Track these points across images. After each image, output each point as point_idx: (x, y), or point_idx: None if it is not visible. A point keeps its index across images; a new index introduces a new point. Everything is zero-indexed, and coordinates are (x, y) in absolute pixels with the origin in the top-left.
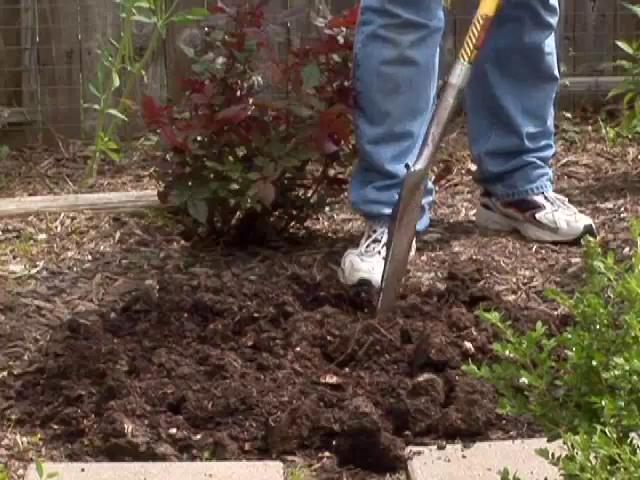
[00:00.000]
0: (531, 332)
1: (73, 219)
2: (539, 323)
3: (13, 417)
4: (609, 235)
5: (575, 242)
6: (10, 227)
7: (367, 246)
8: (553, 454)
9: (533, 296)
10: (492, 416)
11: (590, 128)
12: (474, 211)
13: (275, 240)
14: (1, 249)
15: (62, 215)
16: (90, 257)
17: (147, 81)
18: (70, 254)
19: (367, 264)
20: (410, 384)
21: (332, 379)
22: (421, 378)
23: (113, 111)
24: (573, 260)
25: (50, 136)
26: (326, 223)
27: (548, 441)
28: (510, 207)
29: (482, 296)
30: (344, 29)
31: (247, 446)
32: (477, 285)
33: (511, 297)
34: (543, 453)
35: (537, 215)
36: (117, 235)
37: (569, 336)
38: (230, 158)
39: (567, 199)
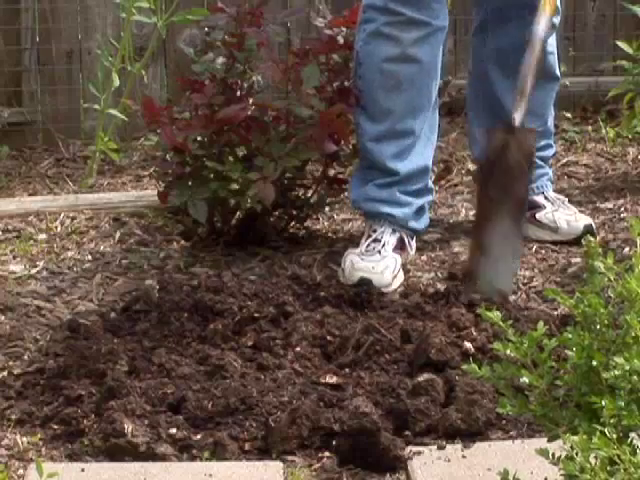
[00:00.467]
0: (532, 332)
1: (73, 219)
2: (540, 323)
3: (13, 417)
4: (609, 235)
5: (575, 242)
6: (10, 227)
7: (367, 246)
8: (553, 454)
9: (533, 296)
10: (492, 416)
11: (590, 128)
12: (474, 211)
13: (275, 240)
14: (1, 249)
15: (62, 215)
16: (90, 257)
17: (147, 81)
18: (70, 254)
19: (367, 263)
20: (410, 384)
21: (332, 379)
22: (421, 378)
23: (113, 111)
24: (573, 260)
25: (50, 136)
26: (326, 223)
27: (548, 441)
28: None
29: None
30: (344, 29)
31: (247, 446)
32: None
33: (511, 297)
34: (543, 453)
35: (537, 215)
36: (117, 235)
37: (569, 336)
38: (230, 158)
39: (567, 199)
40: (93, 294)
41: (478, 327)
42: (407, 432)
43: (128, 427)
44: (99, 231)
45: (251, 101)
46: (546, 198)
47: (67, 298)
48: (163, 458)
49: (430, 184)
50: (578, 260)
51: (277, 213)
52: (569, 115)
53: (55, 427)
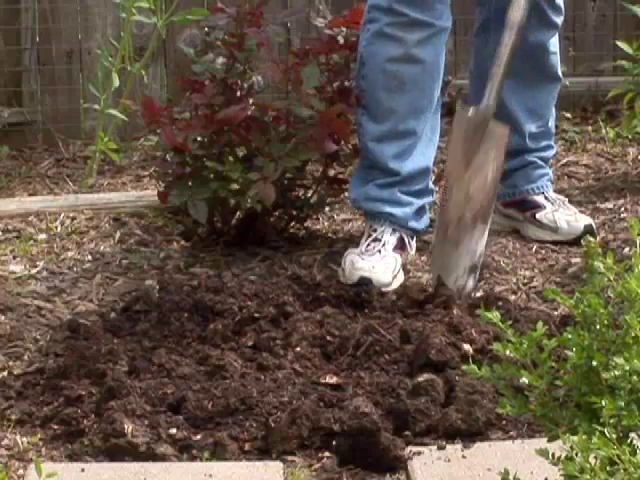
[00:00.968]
0: (532, 332)
1: (73, 219)
2: (540, 323)
3: (13, 417)
4: (609, 235)
5: (575, 242)
6: (10, 227)
7: (367, 245)
8: (553, 454)
9: (533, 296)
10: (492, 416)
11: (590, 128)
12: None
13: (275, 240)
14: (1, 249)
15: (62, 215)
16: (90, 257)
17: (147, 81)
18: (70, 254)
19: (367, 263)
20: (410, 384)
21: (332, 379)
22: (421, 378)
23: (113, 111)
24: (573, 260)
25: (50, 136)
26: (326, 223)
27: (548, 441)
28: (510, 207)
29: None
30: (344, 29)
31: (247, 446)
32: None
33: (511, 297)
34: (543, 453)
35: (537, 215)
36: (117, 235)
37: (569, 336)
38: (230, 158)
39: (567, 199)
40: (93, 294)
41: (478, 328)
42: (407, 432)
43: (128, 427)
44: (99, 231)
45: (251, 101)
46: (546, 198)
47: (67, 298)
48: (163, 458)
49: (431, 185)
50: (578, 260)
51: (277, 213)
52: (569, 115)
53: (55, 427)
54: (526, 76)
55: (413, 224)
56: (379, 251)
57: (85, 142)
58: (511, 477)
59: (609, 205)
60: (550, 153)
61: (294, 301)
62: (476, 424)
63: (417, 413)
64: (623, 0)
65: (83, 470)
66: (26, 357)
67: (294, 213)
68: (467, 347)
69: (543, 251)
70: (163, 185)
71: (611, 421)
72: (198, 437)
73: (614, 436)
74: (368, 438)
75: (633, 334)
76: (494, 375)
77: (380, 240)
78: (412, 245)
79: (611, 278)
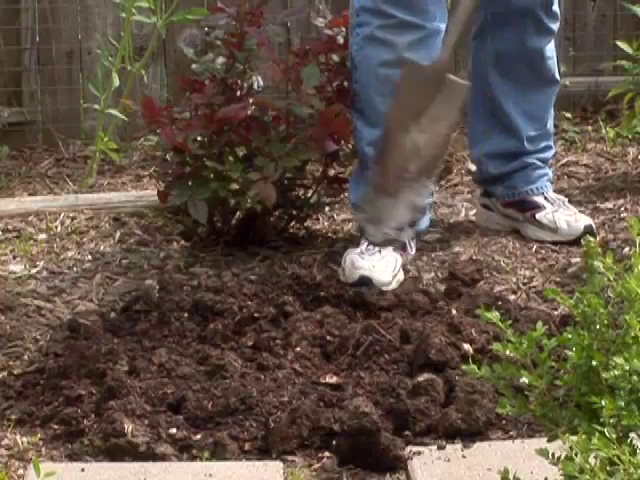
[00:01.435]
0: (531, 332)
1: (73, 219)
2: (540, 323)
3: (13, 417)
4: (609, 235)
5: (575, 242)
6: (10, 227)
7: (367, 245)
8: (553, 454)
9: (533, 296)
10: (492, 416)
11: (590, 128)
12: (474, 211)
13: (275, 240)
14: (1, 249)
15: (62, 215)
16: (90, 257)
17: (147, 81)
18: (70, 254)
19: (367, 262)
20: (410, 384)
21: (332, 379)
22: (421, 378)
23: (113, 111)
24: (573, 260)
25: (50, 136)
26: (326, 223)
27: (548, 441)
28: (510, 207)
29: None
30: (344, 29)
31: (247, 446)
32: (477, 285)
33: (511, 297)
34: (543, 453)
35: (537, 215)
36: (117, 235)
37: (569, 336)
38: (230, 158)
39: (567, 199)
40: (93, 294)
41: (478, 328)
42: (407, 432)
43: (128, 427)
44: (99, 231)
45: (251, 101)
46: (546, 199)
47: (67, 298)
48: (163, 458)
49: (430, 185)
50: (578, 260)
51: (277, 213)
52: (569, 115)
53: (55, 427)
54: (524, 81)
55: None
56: (379, 251)
57: (85, 142)
58: (511, 477)
59: (609, 205)
60: (549, 154)
61: (294, 301)
62: (476, 424)
63: (417, 413)
64: (623, 0)
65: (83, 470)
66: (26, 357)
67: (294, 213)
68: (467, 347)
69: (543, 251)
70: (163, 185)
71: (611, 421)
72: (198, 437)
73: (614, 436)
74: (368, 438)
75: (633, 334)
76: (494, 375)
77: None
78: (412, 246)
79: (611, 278)
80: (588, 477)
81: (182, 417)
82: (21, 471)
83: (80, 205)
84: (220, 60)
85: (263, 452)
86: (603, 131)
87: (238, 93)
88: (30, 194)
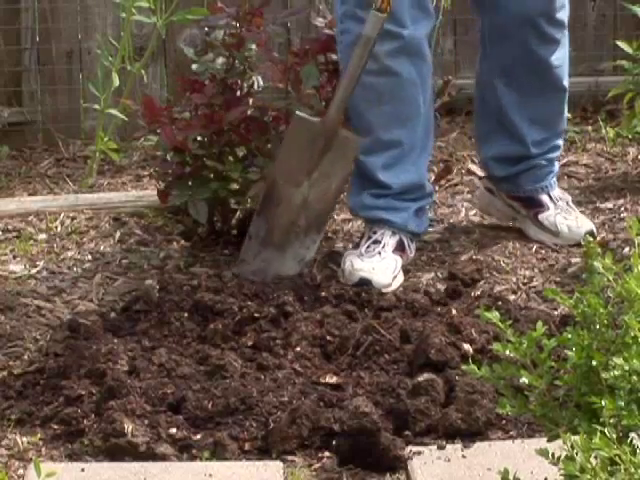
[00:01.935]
0: (531, 332)
1: (73, 219)
2: (539, 323)
3: (13, 417)
4: (609, 235)
5: (576, 243)
6: (10, 227)
7: (367, 247)
8: (553, 454)
9: (533, 296)
10: (492, 416)
11: (590, 128)
12: (474, 211)
13: None
14: (1, 249)
15: (62, 215)
16: (90, 257)
17: (147, 81)
18: (70, 254)
19: (367, 264)
20: (410, 384)
21: (332, 379)
22: (421, 378)
23: (113, 111)
24: (573, 260)
25: (50, 136)
26: None
27: (548, 441)
28: (515, 201)
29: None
30: None
31: (247, 446)
32: (477, 285)
33: (511, 297)
34: (543, 453)
35: (540, 216)
36: (117, 235)
37: (569, 336)
38: (230, 158)
39: (570, 198)
40: (93, 294)
41: (478, 328)
42: (407, 432)
43: (128, 427)
44: (99, 231)
45: (251, 101)
46: (550, 198)
47: (67, 298)
48: (163, 458)
49: (430, 188)
50: (578, 260)
51: None
52: (569, 115)
53: (55, 427)
54: (529, 90)
55: (412, 227)
56: (379, 253)
57: (85, 142)
58: (511, 477)
59: (609, 205)
60: (556, 153)
61: (294, 301)
62: (476, 424)
63: (417, 413)
64: (623, 0)
65: (83, 470)
66: (26, 357)
67: None
68: (467, 347)
69: (543, 251)
70: (163, 185)
71: (611, 421)
72: (198, 437)
73: (614, 436)
74: (368, 438)
75: (632, 334)
76: (494, 375)
77: (380, 242)
78: (412, 247)
79: (610, 278)
80: (589, 477)
81: (182, 417)
82: (21, 471)
83: (80, 205)
84: (220, 60)
85: (263, 452)
86: (603, 131)
87: (238, 93)
88: (30, 194)
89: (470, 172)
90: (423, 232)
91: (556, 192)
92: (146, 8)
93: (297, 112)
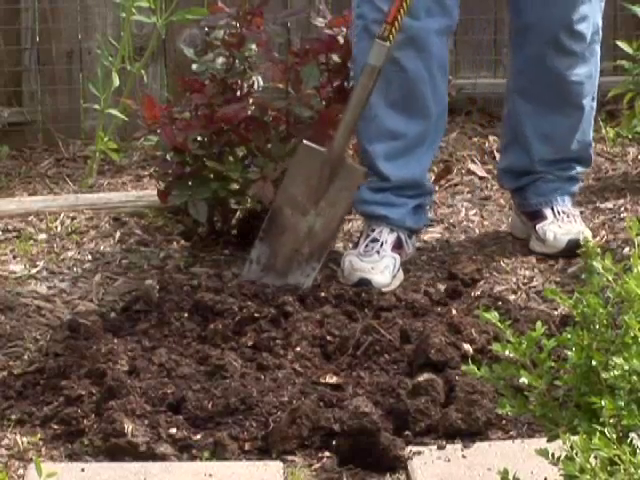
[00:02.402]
0: (531, 332)
1: (73, 219)
2: (539, 323)
3: (13, 417)
4: (609, 235)
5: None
6: (10, 227)
7: (366, 246)
8: (553, 454)
9: (533, 296)
10: (492, 416)
11: None
12: (474, 211)
13: None
14: (1, 249)
15: (62, 215)
16: (90, 257)
17: (147, 81)
18: (70, 254)
19: (366, 264)
20: (410, 384)
21: (332, 379)
22: (421, 378)
23: (113, 111)
24: (573, 260)
25: (50, 136)
26: None
27: (548, 441)
28: (523, 215)
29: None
30: (344, 29)
31: (247, 446)
32: (477, 285)
33: (511, 297)
34: (543, 453)
35: (537, 226)
36: (117, 235)
37: (569, 336)
38: (230, 158)
39: (580, 215)
40: (93, 294)
41: (478, 328)
42: (407, 432)
43: (128, 427)
44: (99, 231)
45: (251, 101)
46: (553, 211)
47: (67, 298)
48: (163, 458)
49: (429, 186)
50: (578, 260)
51: None
52: None
53: (55, 427)
54: (544, 104)
55: (410, 224)
56: (377, 252)
57: (85, 142)
58: (511, 477)
59: (609, 205)
60: (568, 172)
61: (294, 301)
62: (476, 424)
63: (417, 413)
64: (623, 0)
65: (83, 470)
66: (26, 357)
67: None
68: (467, 347)
69: None
70: (163, 185)
71: (611, 421)
72: (198, 437)
73: (614, 436)
74: (368, 438)
75: (632, 334)
76: (494, 375)
77: (378, 240)
78: (410, 244)
79: (610, 278)
80: (589, 477)
81: (182, 417)
82: (21, 471)
83: (80, 205)
84: (220, 60)
85: (263, 452)
86: (603, 131)
87: (238, 93)
88: (30, 194)
89: (470, 172)
90: (421, 228)
91: (564, 207)
92: (146, 8)
93: (304, 141)
